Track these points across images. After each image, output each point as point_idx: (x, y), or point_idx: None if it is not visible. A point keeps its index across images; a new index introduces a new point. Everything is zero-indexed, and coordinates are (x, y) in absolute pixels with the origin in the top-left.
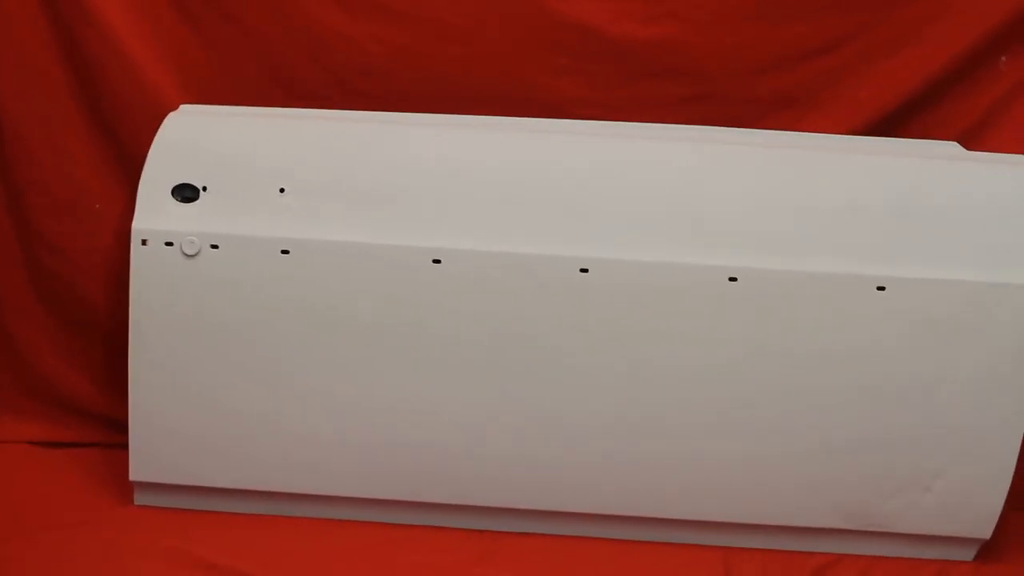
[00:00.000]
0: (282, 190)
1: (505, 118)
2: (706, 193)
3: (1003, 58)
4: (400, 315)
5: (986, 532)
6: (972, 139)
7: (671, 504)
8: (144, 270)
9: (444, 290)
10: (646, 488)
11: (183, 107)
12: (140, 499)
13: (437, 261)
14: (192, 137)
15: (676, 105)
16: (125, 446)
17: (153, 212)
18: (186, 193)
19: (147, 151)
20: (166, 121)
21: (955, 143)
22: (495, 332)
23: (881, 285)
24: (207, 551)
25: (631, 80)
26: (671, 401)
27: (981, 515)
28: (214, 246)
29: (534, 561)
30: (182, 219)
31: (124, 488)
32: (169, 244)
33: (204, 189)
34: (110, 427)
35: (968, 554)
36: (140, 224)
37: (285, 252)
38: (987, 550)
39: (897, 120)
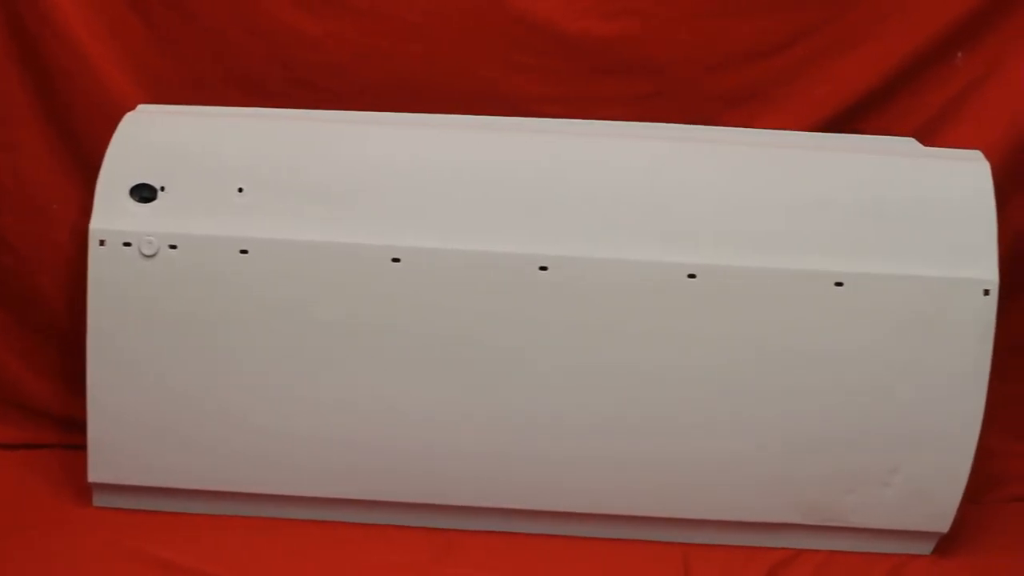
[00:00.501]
0: (240, 190)
1: (464, 116)
2: (665, 190)
3: (959, 54)
4: (360, 314)
5: (944, 526)
6: (929, 135)
7: (630, 501)
8: (102, 270)
9: (404, 289)
10: (605, 485)
11: (141, 107)
12: (99, 500)
13: (396, 260)
14: (150, 137)
15: (635, 102)
16: (83, 447)
17: (111, 212)
18: (144, 193)
19: (105, 151)
20: (124, 121)
21: (912, 139)
22: (454, 330)
23: (839, 281)
24: (167, 552)
25: (590, 77)
26: (630, 399)
27: (939, 509)
28: (172, 246)
29: (492, 559)
30: (140, 219)
31: (83, 489)
32: (127, 244)
33: (162, 189)
34: (68, 428)
35: (927, 548)
36: (98, 224)
37: (244, 252)
38: (945, 543)
39: (854, 116)
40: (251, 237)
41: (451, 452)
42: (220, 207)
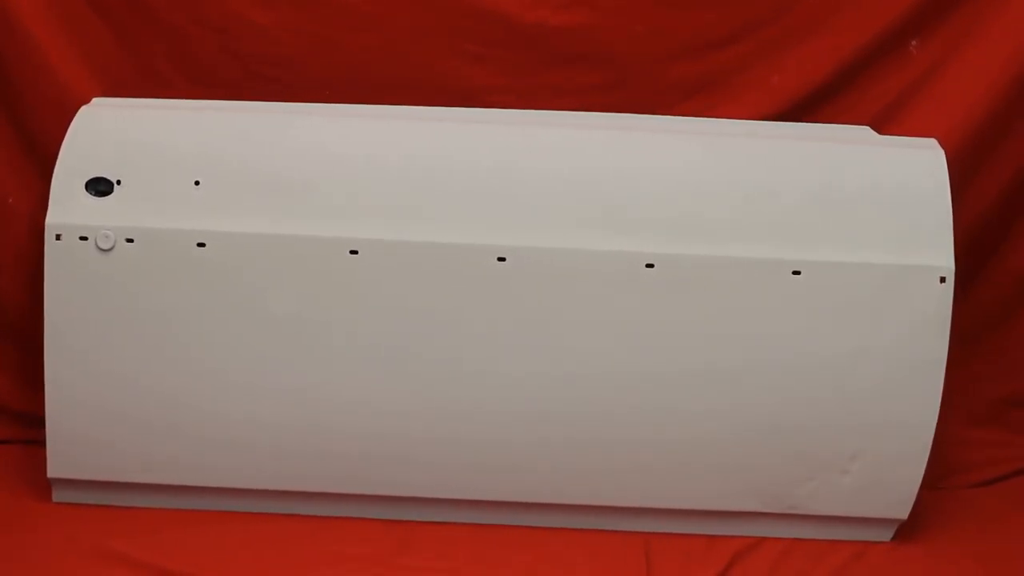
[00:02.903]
0: (197, 183)
1: (420, 108)
2: (622, 180)
3: (913, 42)
4: (318, 306)
5: (903, 513)
6: (884, 123)
7: (591, 490)
8: (59, 265)
9: (361, 281)
10: (565, 475)
11: (95, 100)
12: (59, 496)
13: (354, 252)
14: (105, 130)
15: (590, 92)
16: (42, 443)
17: (67, 206)
18: (100, 187)
19: (60, 145)
20: (79, 114)
21: (867, 127)
22: (413, 322)
23: (796, 269)
24: (127, 546)
25: (544, 67)
26: (589, 388)
27: (898, 496)
28: (129, 240)
29: (454, 550)
30: (96, 213)
31: (42, 485)
32: (84, 238)
33: (118, 183)
34: (27, 424)
35: (886, 534)
36: (54, 219)
37: (201, 245)
38: (904, 530)
39: (810, 105)
40: (208, 230)
41: (410, 444)
42: (177, 200)
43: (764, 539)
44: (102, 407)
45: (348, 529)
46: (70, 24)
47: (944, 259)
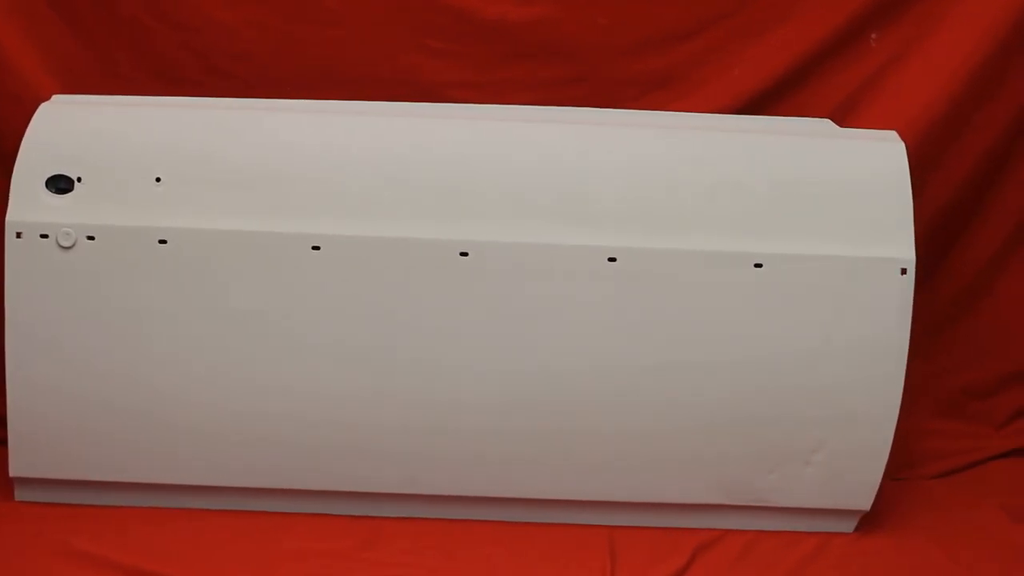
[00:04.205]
0: (158, 179)
1: (383, 103)
2: (584, 174)
3: (873, 35)
4: (280, 303)
5: (866, 504)
6: (845, 116)
7: (555, 484)
8: (19, 263)
9: (324, 277)
10: (529, 469)
11: (55, 97)
12: (21, 495)
13: (316, 248)
14: (65, 127)
15: (552, 87)
16: (3, 442)
17: (27, 204)
18: (60, 184)
19: (19, 142)
20: (38, 111)
21: (828, 120)
22: (375, 318)
23: (759, 262)
24: (91, 545)
25: (506, 62)
26: (552, 382)
27: (861, 487)
28: (90, 237)
29: (419, 545)
30: (57, 211)
31: (4, 484)
32: (44, 236)
33: (79, 180)
34: None
35: (849, 526)
36: (14, 216)
37: (163, 242)
38: (867, 521)
39: (770, 98)
40: (170, 227)
41: (375, 440)
42: (138, 197)
43: (728, 531)
44: (64, 405)
45: (314, 525)
46: (29, 20)
47: (905, 251)
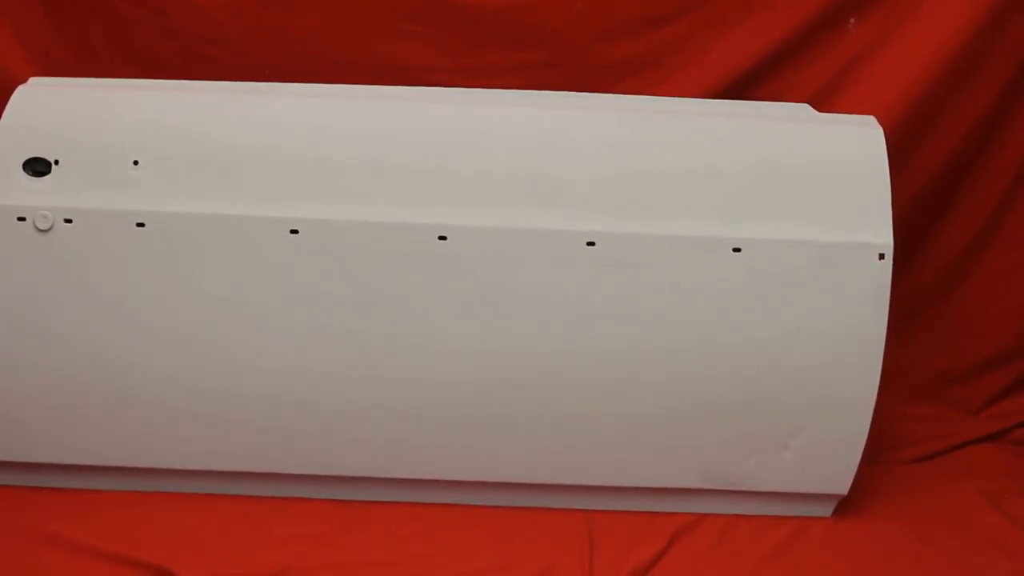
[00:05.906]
0: (136, 162)
1: (360, 87)
2: (562, 158)
3: (852, 20)
4: (258, 287)
5: (843, 488)
6: (823, 101)
7: (532, 468)
8: None
9: (302, 261)
10: (508, 453)
11: (32, 80)
12: None
13: (294, 231)
14: (42, 110)
15: (529, 71)
16: None
17: (4, 187)
18: (37, 167)
19: None
20: (15, 94)
21: (806, 105)
22: (354, 302)
23: (737, 247)
24: (65, 529)
25: (483, 47)
26: (530, 366)
27: (838, 472)
28: (68, 220)
29: (399, 529)
30: (34, 193)
31: None
32: (21, 219)
33: (56, 163)
34: None
35: (826, 510)
36: None
37: (140, 225)
38: (845, 506)
39: (748, 83)
40: (147, 210)
41: (352, 424)
42: (115, 180)
43: (705, 515)
44: (41, 388)
45: (293, 510)
46: (5, 4)
47: (883, 236)
